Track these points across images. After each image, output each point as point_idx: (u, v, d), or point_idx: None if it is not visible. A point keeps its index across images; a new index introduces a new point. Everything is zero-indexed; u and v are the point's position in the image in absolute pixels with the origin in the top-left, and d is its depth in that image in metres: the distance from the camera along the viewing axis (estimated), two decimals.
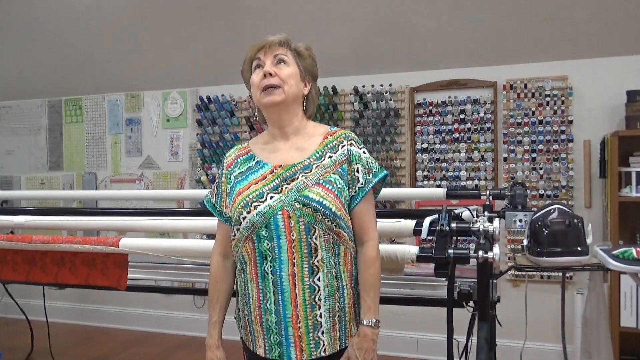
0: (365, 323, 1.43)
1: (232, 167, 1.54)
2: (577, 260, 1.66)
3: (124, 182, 4.48)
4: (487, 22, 3.35)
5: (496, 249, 1.57)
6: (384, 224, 1.83)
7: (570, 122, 3.34)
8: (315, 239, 1.38)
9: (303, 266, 1.37)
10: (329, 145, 1.48)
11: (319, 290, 1.38)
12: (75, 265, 2.02)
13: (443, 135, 3.59)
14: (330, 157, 1.45)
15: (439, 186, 3.57)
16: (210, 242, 1.69)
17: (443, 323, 1.70)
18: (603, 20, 3.17)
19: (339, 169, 1.44)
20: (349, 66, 3.70)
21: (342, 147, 1.47)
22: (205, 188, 4.15)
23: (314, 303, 1.38)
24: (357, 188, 1.45)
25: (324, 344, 1.40)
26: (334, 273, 1.40)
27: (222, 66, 4.02)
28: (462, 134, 3.55)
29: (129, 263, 1.98)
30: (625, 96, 3.13)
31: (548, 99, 3.38)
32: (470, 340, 1.84)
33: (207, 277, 1.64)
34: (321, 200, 1.38)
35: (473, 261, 1.58)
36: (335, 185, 1.41)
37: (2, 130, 4.91)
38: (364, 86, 3.69)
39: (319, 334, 1.39)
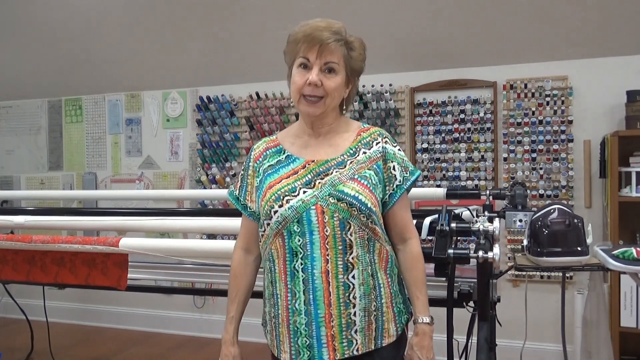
0: (421, 321, 1.42)
1: (260, 159, 1.47)
2: (577, 260, 1.67)
3: (124, 182, 4.48)
4: (487, 22, 3.34)
5: (496, 249, 1.57)
6: None
7: (570, 122, 3.34)
8: (351, 235, 1.33)
9: (337, 263, 1.32)
10: (362, 142, 1.43)
11: (354, 288, 1.33)
12: (75, 265, 2.02)
13: (443, 135, 3.59)
14: (365, 152, 1.41)
15: (439, 186, 3.57)
16: (211, 242, 1.69)
17: (443, 323, 1.70)
18: (603, 20, 3.17)
19: (374, 165, 1.40)
20: None
21: (377, 144, 1.43)
22: (205, 188, 4.15)
23: (348, 301, 1.33)
24: (394, 186, 1.41)
25: (356, 343, 1.34)
26: (369, 271, 1.35)
27: (222, 66, 4.03)
28: (462, 134, 3.55)
29: (129, 263, 1.98)
30: (625, 96, 3.13)
31: (548, 99, 3.38)
32: (470, 340, 1.84)
33: (207, 278, 1.63)
34: (357, 195, 1.33)
35: (473, 261, 1.58)
36: (370, 180, 1.36)
37: (2, 130, 4.91)
38: (364, 86, 3.69)
39: (352, 333, 1.34)
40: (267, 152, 1.48)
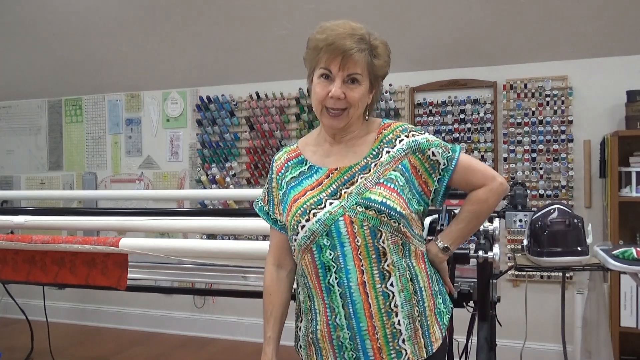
0: (435, 240, 1.42)
1: (282, 171, 1.42)
2: (577, 260, 1.67)
3: (124, 182, 4.48)
4: (487, 22, 3.34)
5: (496, 249, 1.58)
6: None
7: (570, 122, 3.34)
8: (383, 242, 1.27)
9: (373, 273, 1.27)
10: (384, 140, 1.36)
11: (394, 296, 1.28)
12: (75, 265, 2.02)
13: (443, 135, 3.59)
14: (388, 152, 1.35)
15: None
16: (211, 242, 1.68)
17: None
18: (603, 20, 3.17)
19: (399, 166, 1.33)
20: None
21: (400, 141, 1.35)
22: (205, 188, 4.15)
23: (390, 310, 1.27)
24: (440, 170, 1.36)
25: (406, 353, 1.28)
26: (407, 276, 1.30)
27: (222, 66, 4.03)
28: (462, 134, 3.55)
29: (129, 263, 1.98)
30: (625, 96, 3.13)
31: (548, 99, 3.38)
32: (470, 340, 1.84)
33: (207, 277, 1.62)
34: (385, 200, 1.27)
35: (473, 261, 1.58)
36: (397, 183, 1.30)
37: (2, 130, 4.91)
38: None
39: (400, 343, 1.28)
40: (289, 163, 1.42)
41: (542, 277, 3.41)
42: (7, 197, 3.44)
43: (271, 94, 3.92)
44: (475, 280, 1.67)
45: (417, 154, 1.35)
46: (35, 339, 3.48)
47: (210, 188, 4.14)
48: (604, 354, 2.16)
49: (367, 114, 1.39)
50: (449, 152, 1.37)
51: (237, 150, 4.08)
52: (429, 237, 1.71)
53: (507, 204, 2.20)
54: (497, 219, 1.74)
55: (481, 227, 1.63)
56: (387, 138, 1.37)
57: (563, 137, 3.35)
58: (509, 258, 3.43)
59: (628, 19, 3.12)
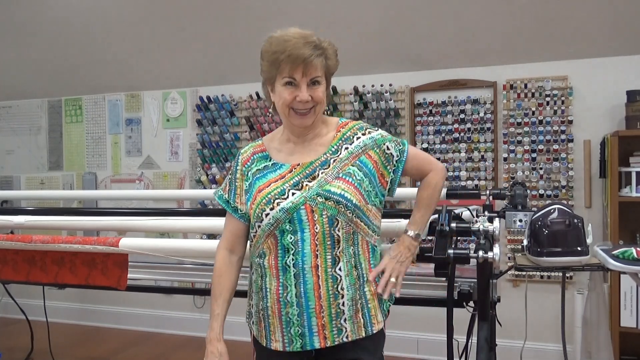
0: (405, 231, 1.55)
1: (248, 164, 1.55)
2: (577, 260, 1.67)
3: (124, 182, 4.48)
4: (487, 22, 3.34)
5: (496, 249, 1.58)
6: (384, 224, 1.82)
7: (570, 122, 3.34)
8: (338, 230, 1.41)
9: (326, 257, 1.40)
10: (343, 138, 1.50)
11: (341, 279, 1.41)
12: (75, 265, 2.02)
13: (443, 135, 3.59)
14: (347, 148, 1.49)
15: None
16: (210, 242, 1.69)
17: (443, 323, 1.70)
18: (603, 20, 3.17)
19: (357, 161, 1.47)
20: (349, 66, 3.69)
21: (358, 138, 1.50)
22: (205, 188, 4.15)
23: (337, 292, 1.41)
24: (394, 162, 1.52)
25: (346, 330, 1.42)
26: (353, 262, 1.43)
27: (222, 66, 4.02)
28: (462, 134, 3.55)
29: (129, 263, 1.98)
30: (625, 96, 3.13)
31: (548, 99, 3.38)
32: (470, 340, 1.84)
33: (207, 277, 1.64)
34: (343, 193, 1.41)
35: (473, 261, 1.58)
36: (354, 177, 1.44)
37: (2, 130, 4.91)
38: (364, 86, 3.69)
39: (342, 321, 1.42)
40: (254, 156, 1.55)
41: (542, 277, 3.41)
42: (7, 197, 3.44)
43: None
44: (475, 280, 1.67)
45: (375, 149, 1.49)
46: (35, 339, 3.48)
47: (210, 188, 4.14)
48: (604, 354, 2.16)
49: (326, 107, 1.54)
50: (400, 145, 1.53)
51: (237, 150, 4.07)
52: (429, 237, 1.72)
53: (507, 204, 2.20)
54: (497, 219, 1.73)
55: (481, 227, 1.64)
56: (345, 136, 1.51)
57: (563, 137, 3.35)
58: (509, 258, 3.43)
59: (628, 19, 3.12)
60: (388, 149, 1.50)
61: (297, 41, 1.40)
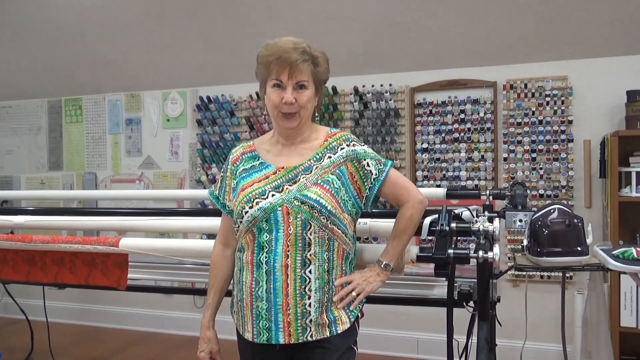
0: (377, 261, 1.59)
1: (237, 163, 1.63)
2: (577, 260, 1.67)
3: (124, 182, 4.48)
4: (487, 22, 3.35)
5: (496, 249, 1.58)
6: (384, 224, 1.83)
7: (570, 122, 3.34)
8: (310, 234, 1.47)
9: (296, 259, 1.46)
10: (328, 147, 1.57)
11: (310, 281, 1.47)
12: (75, 265, 2.02)
13: (443, 135, 3.59)
14: (330, 157, 1.55)
15: (439, 186, 3.57)
16: (210, 242, 1.70)
17: (443, 323, 1.70)
18: (603, 20, 3.17)
19: (337, 170, 1.53)
20: (349, 66, 3.70)
21: (342, 149, 1.56)
22: (205, 188, 4.15)
23: (303, 293, 1.47)
24: (372, 179, 1.56)
25: (310, 330, 1.48)
26: (325, 267, 1.49)
27: (222, 66, 4.02)
28: (462, 134, 3.55)
29: (129, 263, 1.98)
30: (625, 96, 3.13)
31: (548, 99, 3.38)
32: (470, 340, 1.84)
33: (207, 277, 1.65)
34: (318, 199, 1.47)
35: (473, 261, 1.58)
36: (332, 185, 1.51)
37: (2, 130, 4.91)
38: (364, 86, 3.69)
39: (307, 322, 1.48)
40: (244, 156, 1.64)
41: (542, 277, 3.41)
42: (7, 197, 3.44)
43: None
44: (475, 280, 1.67)
45: (354, 162, 1.55)
46: (35, 339, 3.48)
47: (210, 188, 4.13)
48: (604, 354, 2.16)
49: (316, 115, 1.62)
50: (381, 165, 1.57)
51: None
52: (429, 237, 1.72)
53: (507, 204, 2.20)
54: (497, 219, 1.73)
55: (481, 227, 1.64)
56: (331, 145, 1.57)
57: (563, 137, 3.35)
58: (509, 258, 3.43)
59: (628, 19, 3.12)
60: (368, 165, 1.55)
61: (287, 47, 1.49)
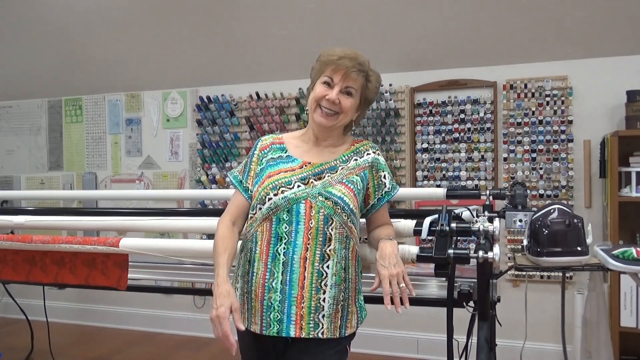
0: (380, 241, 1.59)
1: (265, 150, 1.66)
2: (577, 260, 1.67)
3: (124, 182, 4.48)
4: (487, 22, 3.35)
5: (496, 249, 1.58)
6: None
7: (570, 122, 3.34)
8: (331, 230, 1.50)
9: (315, 252, 1.48)
10: (355, 151, 1.65)
11: (327, 276, 1.48)
12: (75, 265, 2.02)
13: (443, 135, 3.59)
14: (356, 160, 1.63)
15: (439, 186, 3.57)
16: (210, 242, 1.69)
17: (443, 323, 1.70)
18: (603, 20, 3.17)
19: (361, 173, 1.61)
20: None
21: (368, 154, 1.64)
22: (205, 188, 4.15)
23: (319, 287, 1.48)
24: (383, 192, 1.64)
25: (322, 327, 1.48)
26: (342, 264, 1.51)
27: (222, 66, 4.03)
28: (462, 134, 3.55)
29: (129, 263, 1.98)
30: (625, 96, 3.13)
31: (548, 99, 3.38)
32: (470, 340, 1.85)
33: (207, 277, 1.65)
34: (342, 196, 1.52)
35: (473, 261, 1.58)
36: (356, 185, 1.57)
37: (2, 130, 4.91)
38: None
39: (319, 317, 1.48)
40: (273, 146, 1.67)
41: (542, 277, 3.41)
42: (7, 197, 3.44)
43: (271, 94, 3.92)
44: (475, 280, 1.67)
45: (374, 170, 1.64)
46: (35, 339, 3.48)
47: (210, 188, 4.14)
48: (604, 354, 2.16)
49: (353, 127, 1.69)
50: (394, 182, 1.68)
51: (237, 150, 4.09)
52: (429, 237, 1.72)
53: (507, 204, 2.20)
54: (497, 219, 1.74)
55: (481, 227, 1.64)
56: (358, 149, 1.66)
57: (563, 137, 3.35)
58: (509, 258, 3.43)
59: (628, 19, 3.12)
60: (384, 177, 1.65)
61: (349, 54, 1.56)
